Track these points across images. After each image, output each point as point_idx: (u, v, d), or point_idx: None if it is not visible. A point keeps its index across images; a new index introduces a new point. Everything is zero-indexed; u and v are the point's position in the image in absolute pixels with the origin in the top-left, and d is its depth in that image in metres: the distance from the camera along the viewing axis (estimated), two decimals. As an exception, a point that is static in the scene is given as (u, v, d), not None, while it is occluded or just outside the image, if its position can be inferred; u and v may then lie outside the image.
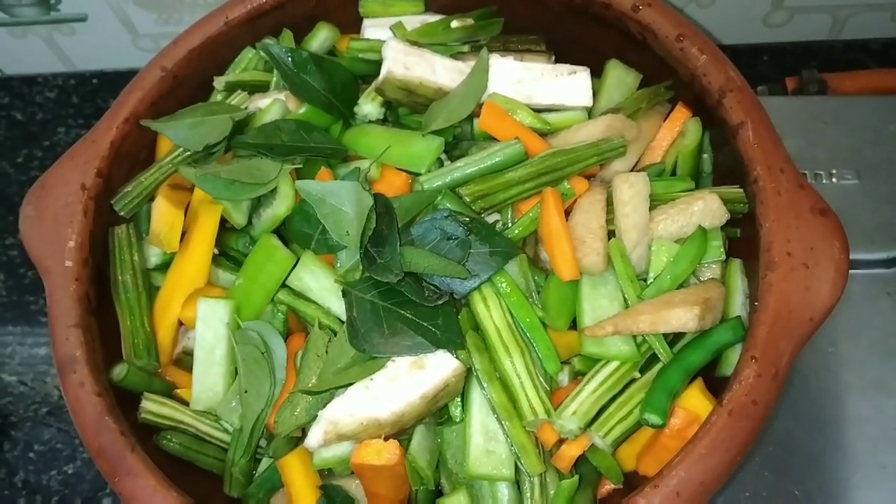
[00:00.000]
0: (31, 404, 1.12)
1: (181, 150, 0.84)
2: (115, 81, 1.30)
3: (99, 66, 1.31)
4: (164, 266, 0.84)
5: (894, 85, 1.10)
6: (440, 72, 0.85)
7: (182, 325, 0.83)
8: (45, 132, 1.30)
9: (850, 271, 0.73)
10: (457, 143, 0.85)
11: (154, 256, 0.84)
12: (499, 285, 0.75)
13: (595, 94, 0.87)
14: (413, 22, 0.90)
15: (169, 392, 0.82)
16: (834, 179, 1.01)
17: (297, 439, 0.76)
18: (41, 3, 1.17)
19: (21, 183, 1.26)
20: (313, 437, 0.70)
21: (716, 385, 0.74)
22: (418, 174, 0.80)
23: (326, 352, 0.74)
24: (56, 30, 1.23)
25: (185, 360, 0.82)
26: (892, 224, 0.99)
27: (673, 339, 0.77)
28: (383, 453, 0.70)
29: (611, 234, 0.78)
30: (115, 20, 1.20)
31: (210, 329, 0.77)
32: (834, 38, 1.24)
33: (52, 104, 1.32)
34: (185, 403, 0.80)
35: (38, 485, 1.09)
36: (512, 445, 0.72)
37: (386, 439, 0.71)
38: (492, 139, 0.83)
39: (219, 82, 0.89)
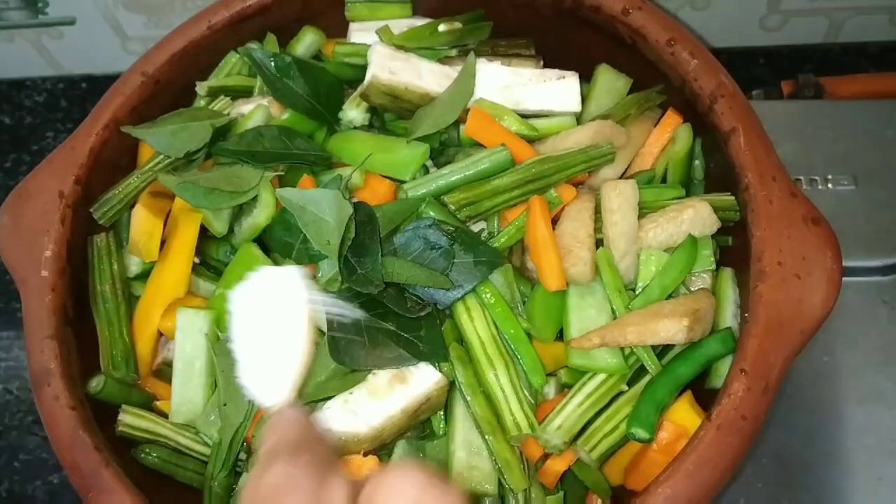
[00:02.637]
0: (17, 413, 1.11)
1: (162, 156, 0.82)
2: (104, 85, 1.26)
3: (88, 69, 1.30)
4: (145, 275, 0.82)
5: (892, 89, 1.09)
6: (427, 77, 0.83)
7: (162, 336, 0.81)
8: (34, 137, 1.29)
9: (846, 279, 0.71)
10: (443, 149, 0.84)
11: (134, 265, 0.82)
12: (483, 296, 0.74)
13: (584, 99, 0.85)
14: (400, 26, 0.88)
15: (148, 404, 0.80)
16: (830, 185, 1.00)
17: (277, 453, 0.74)
18: (29, 6, 1.16)
19: (9, 188, 1.23)
20: (290, 453, 0.69)
21: (706, 397, 0.72)
22: (403, 181, 0.78)
23: (306, 364, 0.72)
24: (44, 33, 1.22)
25: (165, 372, 0.80)
26: (889, 231, 0.97)
27: (662, 350, 0.75)
28: (362, 469, 0.68)
29: (599, 242, 0.76)
30: (103, 24, 1.19)
31: (189, 340, 0.76)
32: (831, 42, 1.22)
33: (41, 108, 1.30)
34: (165, 416, 0.79)
35: (22, 495, 1.07)
36: (495, 461, 0.70)
37: (365, 455, 0.69)
38: (478, 146, 0.81)
39: (201, 87, 0.88)
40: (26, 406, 1.11)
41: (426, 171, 0.81)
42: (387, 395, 0.69)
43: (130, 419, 0.78)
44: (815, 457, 0.90)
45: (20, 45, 1.24)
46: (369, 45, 0.84)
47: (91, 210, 0.82)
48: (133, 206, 0.83)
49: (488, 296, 0.73)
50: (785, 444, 0.90)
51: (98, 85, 1.30)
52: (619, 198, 0.76)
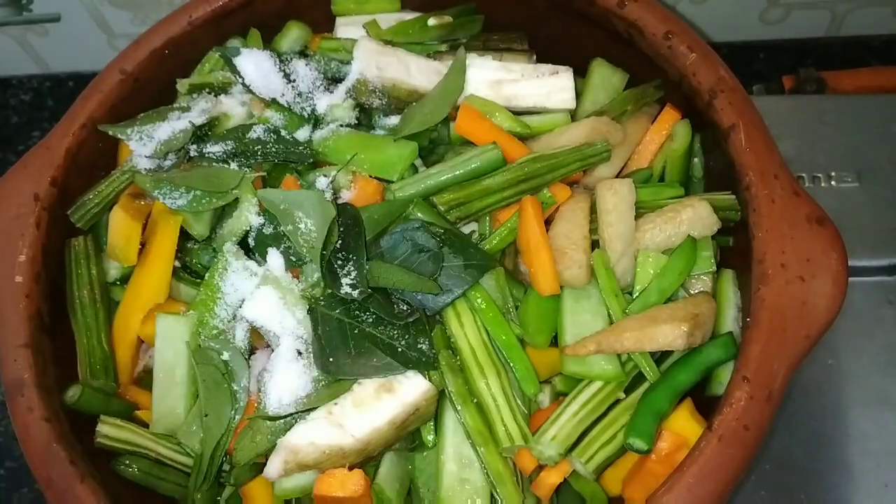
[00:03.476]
0: (2, 420, 1.09)
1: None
2: None
3: (74, 67, 1.28)
4: (125, 279, 0.80)
5: (895, 83, 1.07)
6: (415, 72, 0.81)
7: (143, 343, 0.79)
8: (20, 135, 1.27)
9: (851, 279, 0.70)
10: (433, 147, 0.81)
11: (113, 270, 0.80)
12: (474, 301, 0.71)
13: (579, 95, 0.83)
14: (388, 20, 0.86)
15: (129, 413, 0.78)
16: (833, 182, 0.98)
17: (260, 465, 0.71)
18: (13, 3, 1.14)
19: (-7, 189, 1.23)
20: (272, 468, 0.66)
21: (707, 405, 0.70)
22: (390, 181, 0.76)
23: (290, 373, 0.69)
24: (29, 30, 1.20)
25: (146, 379, 0.78)
26: (893, 229, 0.95)
27: (660, 356, 0.73)
28: (347, 484, 0.66)
29: (594, 244, 0.74)
30: (89, 20, 1.17)
31: (170, 348, 0.73)
32: (833, 35, 1.20)
33: (27, 107, 1.29)
34: (146, 425, 0.76)
35: (8, 503, 1.05)
36: (487, 473, 0.68)
37: (351, 468, 0.67)
38: (469, 144, 0.79)
39: (182, 85, 0.85)
40: (11, 413, 1.09)
41: (415, 170, 0.78)
42: (373, 405, 0.67)
43: (109, 430, 0.75)
44: (820, 463, 0.88)
45: (5, 43, 1.22)
46: (356, 40, 0.81)
47: (68, 213, 0.80)
48: (112, 208, 0.81)
49: (479, 301, 0.71)
50: (789, 450, 0.89)
51: (85, 83, 1.24)
52: (615, 197, 0.73)
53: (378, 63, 0.79)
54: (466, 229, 0.76)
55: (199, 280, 0.78)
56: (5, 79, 1.29)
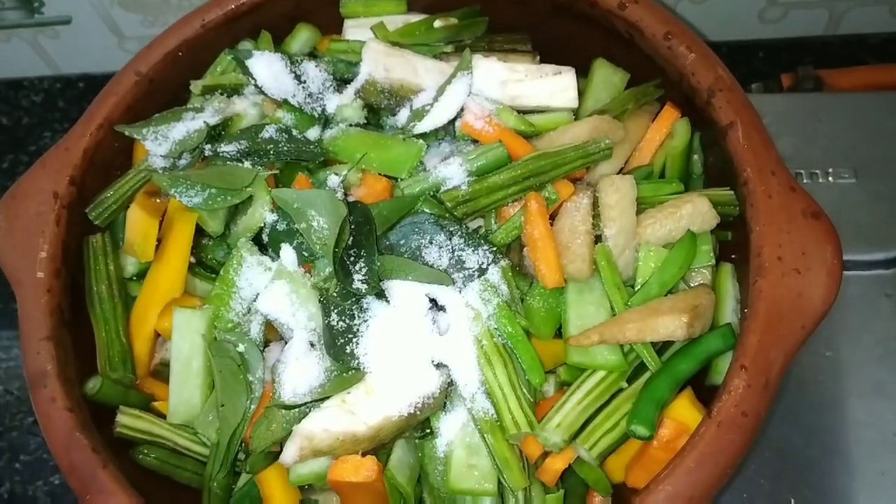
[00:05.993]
0: (17, 413, 1.11)
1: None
2: (101, 85, 1.26)
3: (85, 69, 1.30)
4: (142, 275, 0.82)
5: (892, 80, 1.08)
6: (422, 73, 0.83)
7: (160, 336, 0.81)
8: (32, 137, 1.29)
9: (848, 273, 0.71)
10: (439, 146, 0.83)
11: (130, 266, 0.82)
12: (481, 293, 0.73)
13: (581, 94, 0.85)
14: (395, 22, 0.88)
15: (146, 405, 0.80)
16: (830, 178, 0.99)
17: (275, 453, 0.73)
18: (25, 5, 1.16)
19: (7, 189, 1.25)
20: (288, 454, 0.68)
21: (707, 394, 0.72)
22: (399, 178, 0.78)
23: (304, 364, 0.71)
24: (40, 33, 1.22)
25: (163, 372, 0.80)
26: (890, 223, 0.96)
27: (661, 346, 0.75)
28: (360, 470, 0.68)
29: (597, 239, 0.76)
30: (99, 23, 1.19)
31: (186, 340, 0.75)
32: (831, 34, 1.22)
33: (39, 108, 1.30)
34: (163, 416, 0.78)
35: (24, 495, 1.07)
36: (495, 459, 0.70)
37: (364, 454, 0.69)
38: (475, 142, 0.80)
39: (195, 86, 0.87)
40: (27, 407, 1.11)
41: (423, 168, 0.80)
42: (385, 394, 0.69)
43: (128, 420, 0.77)
44: (818, 452, 0.89)
45: (17, 45, 1.24)
46: (364, 42, 0.83)
47: (86, 211, 0.82)
48: (128, 206, 0.83)
49: (486, 293, 0.73)
50: (788, 440, 0.90)
51: (95, 84, 1.29)
52: (617, 194, 0.75)
53: (386, 64, 0.81)
54: (473, 225, 0.78)
55: (213, 275, 0.80)
56: (17, 80, 1.31)
